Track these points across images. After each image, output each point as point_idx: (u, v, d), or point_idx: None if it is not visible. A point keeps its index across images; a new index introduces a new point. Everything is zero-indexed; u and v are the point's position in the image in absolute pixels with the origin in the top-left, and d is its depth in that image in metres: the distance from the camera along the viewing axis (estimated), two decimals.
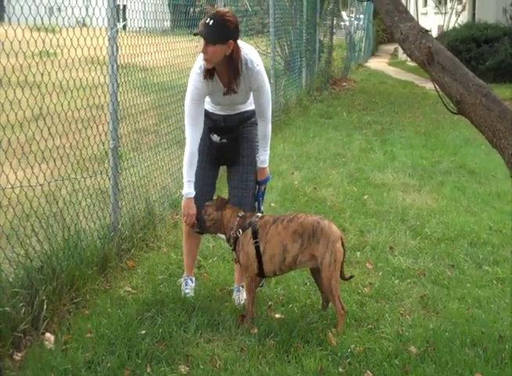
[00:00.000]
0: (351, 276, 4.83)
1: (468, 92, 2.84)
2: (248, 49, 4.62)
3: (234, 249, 4.63)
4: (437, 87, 2.97)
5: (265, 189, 4.94)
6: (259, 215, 4.66)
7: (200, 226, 4.70)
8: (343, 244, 4.51)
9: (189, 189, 4.65)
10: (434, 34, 25.27)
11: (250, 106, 4.82)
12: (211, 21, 4.33)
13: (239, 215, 4.60)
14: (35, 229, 4.68)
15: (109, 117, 5.56)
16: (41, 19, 4.71)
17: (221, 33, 4.35)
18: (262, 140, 4.79)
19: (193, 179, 4.65)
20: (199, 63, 4.57)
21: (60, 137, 5.00)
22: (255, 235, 4.48)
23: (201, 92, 4.57)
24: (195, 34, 4.52)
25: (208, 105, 4.84)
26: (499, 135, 2.74)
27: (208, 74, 4.52)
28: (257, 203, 4.91)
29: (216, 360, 3.98)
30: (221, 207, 4.64)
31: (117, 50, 5.52)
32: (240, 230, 4.54)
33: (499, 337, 4.36)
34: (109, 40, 5.46)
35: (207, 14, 4.48)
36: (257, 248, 4.47)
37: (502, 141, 2.73)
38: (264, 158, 4.82)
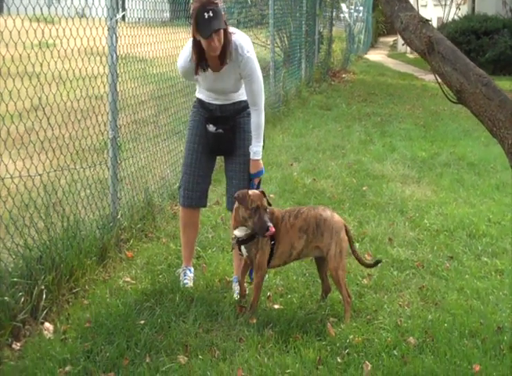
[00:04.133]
0: (378, 262, 4.82)
1: (468, 81, 2.83)
2: (239, 35, 4.62)
3: (243, 243, 4.49)
4: (437, 76, 2.96)
5: (259, 183, 4.85)
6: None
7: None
8: (348, 232, 4.53)
9: None
10: (434, 25, 25.24)
11: (245, 96, 4.81)
12: (210, 13, 4.30)
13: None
14: (34, 219, 4.67)
15: (109, 107, 5.55)
16: (41, 9, 4.69)
17: (221, 16, 4.36)
18: (255, 131, 4.74)
19: None
20: (188, 46, 4.60)
21: (59, 127, 4.99)
22: (272, 236, 4.42)
23: (188, 70, 4.70)
24: (209, 37, 4.37)
25: (203, 95, 4.85)
26: (498, 124, 2.74)
27: (201, 67, 4.56)
28: None
29: (215, 350, 3.99)
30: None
31: (117, 40, 5.51)
32: None
33: (498, 328, 4.37)
34: (108, 30, 5.45)
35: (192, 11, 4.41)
36: (271, 248, 4.45)
37: (502, 130, 2.72)
38: (257, 150, 4.75)
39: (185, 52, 4.67)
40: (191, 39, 4.54)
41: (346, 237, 4.51)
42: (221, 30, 4.38)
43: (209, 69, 4.60)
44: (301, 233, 4.44)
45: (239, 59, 4.56)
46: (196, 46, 4.50)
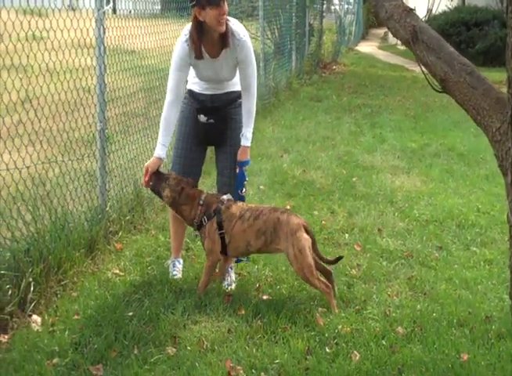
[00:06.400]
0: (340, 258, 4.82)
1: (452, 70, 2.83)
2: (233, 21, 4.63)
3: (198, 230, 4.66)
4: (421, 66, 2.96)
5: (243, 173, 4.81)
6: (224, 198, 4.59)
7: (159, 196, 4.75)
8: (308, 232, 4.48)
9: (159, 151, 4.64)
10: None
11: (237, 86, 4.81)
12: None
13: (201, 202, 4.59)
14: (22, 211, 4.65)
15: (97, 99, 5.53)
16: (27, 1, 4.65)
17: None
18: (246, 116, 4.75)
19: (167, 143, 4.67)
20: (185, 33, 4.58)
21: (47, 120, 4.97)
22: (220, 226, 4.51)
23: (186, 62, 4.60)
24: (218, 4, 4.38)
25: (195, 85, 4.83)
26: (483, 113, 2.74)
27: (199, 52, 4.53)
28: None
29: (203, 342, 3.99)
30: (177, 191, 4.59)
31: (104, 32, 5.48)
32: (205, 218, 4.55)
33: (486, 317, 4.38)
34: (96, 22, 5.42)
35: None
36: (222, 238, 4.52)
37: (486, 119, 2.73)
38: (248, 135, 4.76)
39: (180, 41, 4.62)
40: (186, 28, 4.58)
41: (305, 236, 4.44)
42: (226, 4, 4.44)
43: (206, 56, 4.59)
44: (259, 234, 4.48)
45: (235, 44, 4.58)
46: (197, 29, 4.49)
